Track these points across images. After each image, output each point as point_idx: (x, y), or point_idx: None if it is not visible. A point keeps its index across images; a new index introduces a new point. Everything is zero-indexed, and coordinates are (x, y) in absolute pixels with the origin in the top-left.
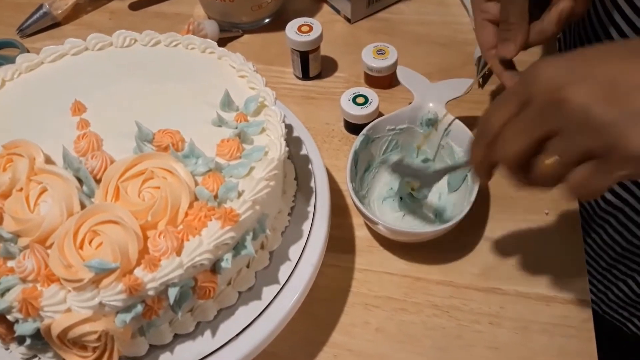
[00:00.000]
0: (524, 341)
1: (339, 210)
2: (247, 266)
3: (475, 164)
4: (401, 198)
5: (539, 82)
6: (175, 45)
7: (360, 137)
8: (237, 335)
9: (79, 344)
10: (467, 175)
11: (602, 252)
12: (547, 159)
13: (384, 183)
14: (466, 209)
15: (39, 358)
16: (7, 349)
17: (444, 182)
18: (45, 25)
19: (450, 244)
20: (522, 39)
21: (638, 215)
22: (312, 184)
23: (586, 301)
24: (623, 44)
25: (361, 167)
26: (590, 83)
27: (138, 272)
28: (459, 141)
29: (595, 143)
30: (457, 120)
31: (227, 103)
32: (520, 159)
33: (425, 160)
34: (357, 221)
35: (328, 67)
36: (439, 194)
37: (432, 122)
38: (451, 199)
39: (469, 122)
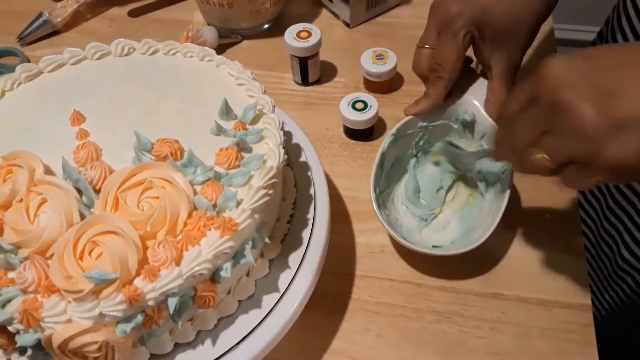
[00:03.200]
0: (525, 346)
1: (339, 216)
2: (247, 275)
3: (497, 146)
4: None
5: (545, 79)
6: (174, 54)
7: (388, 138)
8: (238, 343)
9: (80, 354)
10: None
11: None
12: (537, 154)
13: (409, 180)
14: (491, 227)
15: None
16: (8, 359)
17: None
18: (45, 33)
19: None
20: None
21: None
22: (312, 191)
23: (587, 306)
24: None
25: (387, 165)
26: (588, 91)
27: (138, 282)
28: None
29: (579, 151)
30: (494, 123)
31: (226, 111)
32: (526, 148)
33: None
34: (358, 227)
35: (327, 72)
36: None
37: (468, 125)
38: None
39: None
